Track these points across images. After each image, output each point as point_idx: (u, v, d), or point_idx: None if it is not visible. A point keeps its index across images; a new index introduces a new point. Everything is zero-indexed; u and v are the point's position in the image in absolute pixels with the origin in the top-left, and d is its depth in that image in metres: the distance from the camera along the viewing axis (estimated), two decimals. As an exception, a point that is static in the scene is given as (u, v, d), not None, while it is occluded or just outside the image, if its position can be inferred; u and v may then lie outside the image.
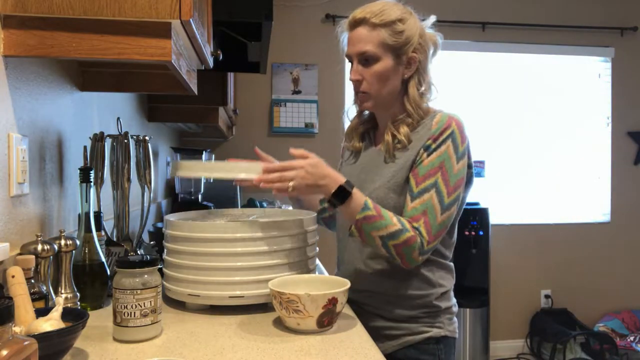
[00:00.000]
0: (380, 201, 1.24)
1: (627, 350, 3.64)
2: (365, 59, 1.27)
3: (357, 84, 1.31)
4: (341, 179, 1.20)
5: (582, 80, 4.13)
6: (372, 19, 1.26)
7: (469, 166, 1.29)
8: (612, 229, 4.13)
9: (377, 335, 1.21)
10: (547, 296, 4.05)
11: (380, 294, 1.31)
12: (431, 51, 1.32)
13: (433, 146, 1.23)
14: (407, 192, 1.24)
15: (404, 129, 1.29)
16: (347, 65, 1.32)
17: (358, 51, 1.27)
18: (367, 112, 1.42)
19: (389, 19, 1.26)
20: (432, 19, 1.35)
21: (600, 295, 4.07)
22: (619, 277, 4.11)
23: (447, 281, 1.34)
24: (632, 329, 3.91)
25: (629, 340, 3.74)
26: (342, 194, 1.19)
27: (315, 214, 1.36)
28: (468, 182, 1.29)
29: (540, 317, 3.94)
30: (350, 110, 1.45)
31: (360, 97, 1.32)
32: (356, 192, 1.20)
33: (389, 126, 1.32)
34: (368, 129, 1.43)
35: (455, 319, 1.35)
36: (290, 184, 1.18)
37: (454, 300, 1.37)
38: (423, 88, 1.30)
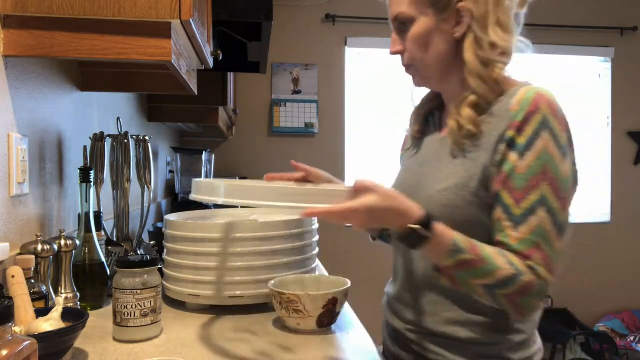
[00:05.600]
0: (445, 212, 0.93)
1: (627, 350, 3.64)
2: (402, 23, 1.00)
3: (401, 57, 1.04)
4: (412, 216, 0.85)
5: (582, 80, 4.13)
6: None
7: (573, 162, 0.95)
8: (612, 229, 4.13)
9: None
10: (547, 296, 4.04)
11: (425, 330, 1.01)
12: None
13: (520, 141, 0.90)
14: (498, 209, 0.91)
15: (466, 111, 0.97)
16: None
17: (392, 15, 1.02)
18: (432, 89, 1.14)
19: None
20: None
21: (600, 295, 4.07)
22: (619, 277, 4.11)
23: (527, 325, 1.04)
24: (632, 329, 3.91)
25: (629, 340, 3.74)
26: (413, 237, 0.86)
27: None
28: (573, 185, 0.95)
29: (540, 316, 3.94)
30: (416, 93, 1.16)
31: (408, 72, 1.06)
32: (439, 231, 0.86)
33: (450, 108, 1.02)
34: (432, 109, 1.13)
35: None
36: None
37: (538, 344, 1.06)
38: (487, 51, 0.97)
